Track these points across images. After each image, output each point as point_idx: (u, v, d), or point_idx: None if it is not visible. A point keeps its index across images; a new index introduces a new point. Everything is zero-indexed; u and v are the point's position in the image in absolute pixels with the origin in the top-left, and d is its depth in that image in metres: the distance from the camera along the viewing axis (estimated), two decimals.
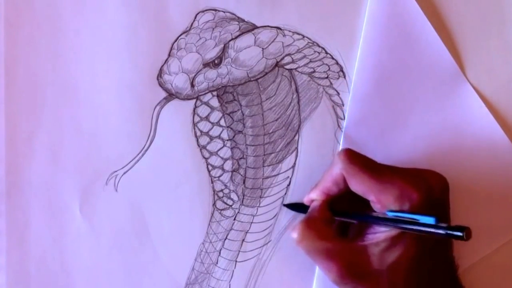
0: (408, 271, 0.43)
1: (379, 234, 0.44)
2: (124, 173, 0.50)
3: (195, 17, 0.50)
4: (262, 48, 0.50)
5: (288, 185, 0.51)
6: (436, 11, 0.51)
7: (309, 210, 0.47)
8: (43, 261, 0.50)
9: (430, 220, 0.41)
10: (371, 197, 0.44)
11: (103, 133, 0.50)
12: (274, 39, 0.50)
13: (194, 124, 0.50)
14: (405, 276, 0.43)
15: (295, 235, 0.45)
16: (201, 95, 0.50)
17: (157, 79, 0.50)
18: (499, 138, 0.51)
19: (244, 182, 0.51)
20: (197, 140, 0.51)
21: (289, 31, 0.51)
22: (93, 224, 0.50)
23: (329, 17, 0.51)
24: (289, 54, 0.51)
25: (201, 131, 0.50)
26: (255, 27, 0.50)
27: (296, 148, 0.51)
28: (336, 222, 0.47)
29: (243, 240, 0.51)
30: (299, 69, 0.51)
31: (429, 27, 0.51)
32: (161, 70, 0.50)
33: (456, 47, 0.51)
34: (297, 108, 0.51)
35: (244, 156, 0.51)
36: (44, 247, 0.50)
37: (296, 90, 0.51)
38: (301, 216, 0.48)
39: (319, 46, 0.51)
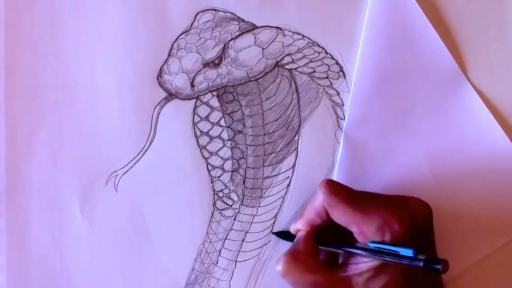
0: None
1: (362, 265, 0.44)
2: (124, 173, 0.50)
3: (195, 17, 0.50)
4: (262, 48, 0.50)
5: (288, 185, 0.51)
6: (436, 11, 0.51)
7: (294, 241, 0.47)
8: (43, 261, 0.50)
9: (409, 252, 0.41)
10: (354, 229, 0.44)
11: (103, 133, 0.50)
12: (274, 39, 0.50)
13: (194, 124, 0.50)
14: None
15: (279, 268, 0.45)
16: (201, 95, 0.50)
17: (157, 79, 0.50)
18: (500, 138, 0.51)
19: (244, 182, 0.51)
20: (197, 140, 0.51)
21: (289, 31, 0.51)
22: (93, 224, 0.50)
23: (329, 17, 0.51)
24: (289, 54, 0.51)
25: (201, 131, 0.50)
26: (255, 27, 0.50)
27: (296, 148, 0.51)
28: (322, 251, 0.47)
29: (243, 240, 0.51)
30: (299, 69, 0.51)
31: (429, 27, 0.50)
32: (161, 70, 0.50)
33: (456, 47, 0.51)
34: (297, 108, 0.51)
35: (244, 156, 0.51)
36: (44, 247, 0.50)
37: (296, 90, 0.51)
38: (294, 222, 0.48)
39: (319, 46, 0.51)
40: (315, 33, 0.51)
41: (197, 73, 0.50)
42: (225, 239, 0.51)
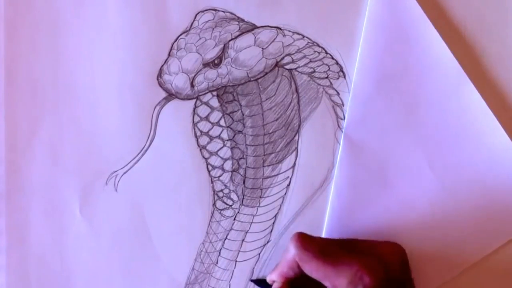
0: None
1: None
2: (124, 173, 0.50)
3: (195, 17, 0.50)
4: (262, 48, 0.50)
5: (288, 185, 0.51)
6: (437, 10, 0.51)
7: None
8: (43, 261, 0.50)
9: None
10: (326, 283, 0.44)
11: (103, 133, 0.50)
12: (274, 39, 0.50)
13: (194, 124, 0.51)
14: None
15: None
16: (201, 95, 0.50)
17: (157, 79, 0.50)
18: (501, 138, 0.51)
19: (244, 182, 0.51)
20: (197, 140, 0.51)
21: (289, 31, 0.51)
22: (93, 224, 0.50)
23: (329, 17, 0.51)
24: (289, 54, 0.51)
25: (201, 131, 0.51)
26: (255, 27, 0.50)
27: (296, 148, 0.51)
28: None
29: (243, 240, 0.51)
30: (299, 69, 0.51)
31: (430, 26, 0.50)
32: (161, 70, 0.50)
33: (458, 46, 0.51)
34: (297, 108, 0.51)
35: (244, 156, 0.51)
36: (44, 247, 0.50)
37: (296, 90, 0.51)
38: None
39: (319, 46, 0.51)
40: (315, 33, 0.51)
41: (197, 73, 0.50)
42: (225, 239, 0.51)
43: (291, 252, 0.45)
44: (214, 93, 0.50)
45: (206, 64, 0.50)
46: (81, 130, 0.50)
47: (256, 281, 0.51)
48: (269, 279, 0.48)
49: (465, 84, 0.51)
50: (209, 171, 0.51)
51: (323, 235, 0.50)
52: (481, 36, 0.51)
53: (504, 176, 0.50)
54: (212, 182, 0.51)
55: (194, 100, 0.50)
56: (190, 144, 0.51)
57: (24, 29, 0.50)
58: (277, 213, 0.51)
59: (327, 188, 0.51)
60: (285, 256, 0.46)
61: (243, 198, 0.51)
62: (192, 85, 0.50)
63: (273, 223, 0.51)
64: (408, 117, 0.51)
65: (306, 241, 0.45)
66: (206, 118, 0.50)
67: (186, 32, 0.50)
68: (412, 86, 0.51)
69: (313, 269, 0.44)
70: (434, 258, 0.50)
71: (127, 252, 0.50)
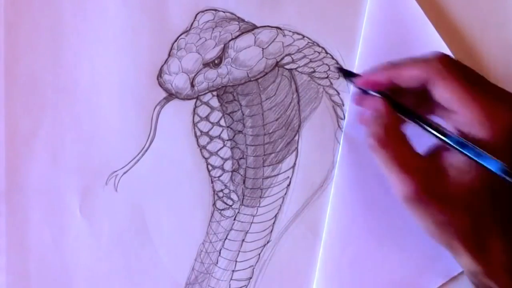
0: (485, 195, 0.41)
1: (459, 157, 0.41)
2: (124, 173, 0.50)
3: (195, 17, 0.50)
4: (262, 48, 0.50)
5: (288, 185, 0.51)
6: (436, 10, 0.51)
7: (371, 109, 0.44)
8: (43, 261, 0.50)
9: (496, 165, 0.39)
10: (459, 110, 0.40)
11: (103, 133, 0.50)
12: (274, 39, 0.50)
13: (194, 124, 0.51)
14: (481, 199, 0.41)
15: (373, 141, 0.42)
16: (201, 95, 0.50)
17: (157, 79, 0.50)
18: None
19: (244, 182, 0.51)
20: (197, 140, 0.51)
21: (289, 31, 0.51)
22: (93, 224, 0.50)
23: (329, 17, 0.51)
24: (289, 54, 0.51)
25: (201, 131, 0.51)
26: (255, 27, 0.50)
27: (296, 148, 0.51)
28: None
29: (243, 240, 0.51)
30: (299, 69, 0.51)
31: (430, 26, 0.50)
32: (161, 70, 0.50)
33: (457, 46, 0.51)
34: (297, 108, 0.51)
35: (244, 156, 0.51)
36: (44, 247, 0.50)
37: (296, 90, 0.51)
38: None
39: (319, 46, 0.51)
40: (315, 33, 0.51)
41: (197, 73, 0.50)
42: (225, 239, 0.51)
43: (428, 64, 0.41)
44: (214, 93, 0.50)
45: (206, 64, 0.50)
46: (81, 130, 0.50)
47: (346, 73, 0.49)
48: (366, 79, 0.45)
49: None
50: (209, 171, 0.51)
51: (323, 235, 0.50)
52: (480, 35, 0.51)
53: None
54: (212, 182, 0.51)
55: (194, 100, 0.50)
56: (190, 144, 0.51)
57: (24, 29, 0.50)
58: (277, 213, 0.51)
59: (327, 188, 0.51)
60: (412, 65, 0.42)
61: (243, 198, 0.51)
62: (192, 85, 0.50)
63: (273, 223, 0.51)
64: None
65: (450, 60, 0.42)
66: (206, 118, 0.50)
67: (186, 32, 0.50)
68: None
69: (449, 90, 0.40)
70: (435, 258, 0.50)
71: (127, 252, 0.50)
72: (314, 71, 0.51)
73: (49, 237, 0.50)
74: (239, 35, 0.50)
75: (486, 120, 0.40)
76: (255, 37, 0.50)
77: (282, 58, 0.51)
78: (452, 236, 0.42)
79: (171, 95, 0.50)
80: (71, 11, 0.50)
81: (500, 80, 0.51)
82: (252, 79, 0.50)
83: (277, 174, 0.51)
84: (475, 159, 0.40)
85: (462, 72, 0.42)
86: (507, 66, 0.51)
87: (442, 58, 0.42)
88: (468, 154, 0.40)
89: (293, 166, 0.51)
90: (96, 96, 0.50)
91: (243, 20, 0.50)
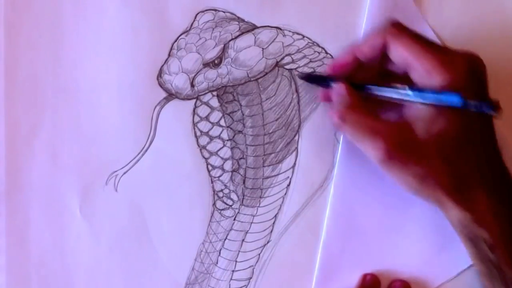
0: (456, 139, 0.43)
1: (420, 110, 0.43)
2: (124, 173, 0.50)
3: (195, 17, 0.50)
4: (262, 48, 0.50)
5: (288, 185, 0.51)
6: (434, 12, 0.51)
7: (336, 94, 0.46)
8: (43, 261, 0.50)
9: (455, 98, 0.41)
10: (414, 62, 0.43)
11: (103, 133, 0.50)
12: (274, 39, 0.50)
13: (194, 124, 0.51)
14: (453, 145, 0.43)
15: (336, 118, 0.45)
16: (201, 95, 0.50)
17: (157, 79, 0.50)
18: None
19: (244, 182, 0.51)
20: (197, 140, 0.51)
21: (289, 31, 0.51)
22: (93, 224, 0.50)
23: (329, 17, 0.51)
24: (289, 54, 0.51)
25: (201, 131, 0.51)
26: (255, 27, 0.50)
27: (296, 148, 0.51)
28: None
29: (243, 240, 0.51)
30: (299, 69, 0.51)
31: (427, 27, 0.51)
32: (161, 70, 0.50)
33: (455, 47, 0.51)
34: (297, 108, 0.51)
35: (244, 156, 0.51)
36: (44, 247, 0.50)
37: (296, 90, 0.51)
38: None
39: (319, 46, 0.51)
40: (315, 33, 0.51)
41: (197, 73, 0.50)
42: (225, 239, 0.51)
43: (382, 31, 0.44)
44: (214, 93, 0.50)
45: (206, 64, 0.50)
46: (81, 130, 0.50)
47: (306, 77, 0.50)
48: (333, 64, 0.48)
49: None
50: (209, 171, 0.51)
51: (323, 235, 0.51)
52: (479, 36, 0.51)
53: None
54: (212, 182, 0.51)
55: (194, 100, 0.50)
56: (190, 144, 0.51)
57: (24, 29, 0.50)
58: (277, 213, 0.51)
59: (327, 188, 0.51)
60: (369, 37, 0.45)
61: (243, 198, 0.51)
62: (192, 85, 0.50)
63: (273, 223, 0.51)
64: None
65: (401, 24, 0.45)
66: (206, 118, 0.50)
67: (186, 32, 0.50)
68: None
69: (404, 47, 0.43)
70: (435, 257, 0.50)
71: (127, 252, 0.50)
72: (314, 71, 0.51)
73: (49, 237, 0.50)
74: (239, 35, 0.50)
75: (442, 66, 0.42)
76: (255, 37, 0.50)
77: (282, 58, 0.51)
78: (434, 188, 0.44)
79: (171, 95, 0.50)
80: (71, 11, 0.50)
81: (500, 80, 0.51)
82: (252, 79, 0.50)
83: (277, 174, 0.51)
84: (437, 103, 0.42)
85: (415, 33, 0.44)
86: (506, 66, 0.51)
87: (395, 23, 0.45)
88: (429, 101, 0.42)
89: (293, 166, 0.51)
90: (96, 96, 0.50)
91: (243, 20, 0.50)
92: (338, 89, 0.47)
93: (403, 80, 0.45)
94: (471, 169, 0.44)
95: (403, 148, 0.43)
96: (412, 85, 0.44)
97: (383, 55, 0.46)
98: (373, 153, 0.44)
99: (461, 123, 0.43)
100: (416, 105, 0.44)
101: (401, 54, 0.44)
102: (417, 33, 0.45)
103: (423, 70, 0.43)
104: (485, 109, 0.40)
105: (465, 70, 0.43)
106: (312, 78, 0.50)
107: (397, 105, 0.46)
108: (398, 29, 0.44)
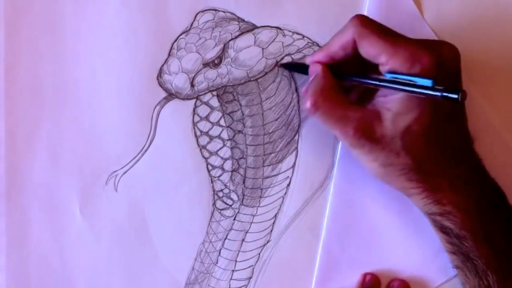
0: (422, 136, 0.44)
1: (390, 98, 0.44)
2: (124, 173, 0.50)
3: (195, 17, 0.50)
4: (262, 48, 0.50)
5: (288, 185, 0.51)
6: (434, 12, 0.51)
7: (311, 77, 0.47)
8: (43, 261, 0.50)
9: (427, 82, 0.41)
10: (382, 59, 0.43)
11: (103, 133, 0.50)
12: (274, 39, 0.51)
13: (194, 124, 0.51)
14: (419, 141, 0.44)
15: (309, 104, 0.45)
16: (201, 95, 0.50)
17: (157, 79, 0.50)
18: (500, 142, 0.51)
19: (244, 182, 0.51)
20: (197, 140, 0.51)
21: (289, 31, 0.51)
22: (93, 224, 0.50)
23: (329, 17, 0.51)
24: (289, 54, 0.51)
25: (201, 131, 0.51)
26: (255, 27, 0.51)
27: (296, 148, 0.51)
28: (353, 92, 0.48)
29: (243, 240, 0.51)
30: None
31: (427, 28, 0.51)
32: (161, 70, 0.50)
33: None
34: (297, 108, 0.51)
35: (244, 156, 0.51)
36: (44, 247, 0.50)
37: (296, 90, 0.51)
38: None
39: (319, 46, 0.51)
40: (315, 33, 0.51)
41: (197, 73, 0.50)
42: (225, 239, 0.51)
43: (349, 30, 0.44)
44: (214, 93, 0.50)
45: (206, 64, 0.50)
46: (81, 130, 0.50)
47: (287, 65, 0.50)
48: (310, 60, 0.48)
49: None
50: (209, 171, 0.51)
51: (323, 235, 0.51)
52: (478, 37, 0.52)
53: None
54: (212, 182, 0.51)
55: (194, 100, 0.50)
56: (190, 144, 0.51)
57: (24, 29, 0.50)
58: (277, 213, 0.51)
59: (327, 188, 0.51)
60: (338, 36, 0.46)
61: (243, 198, 0.51)
62: (192, 85, 0.50)
63: (273, 223, 0.51)
64: None
65: (366, 20, 0.45)
66: (206, 118, 0.51)
67: (186, 32, 0.50)
68: None
69: (371, 45, 0.44)
70: (435, 257, 0.50)
71: (127, 252, 0.50)
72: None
73: (49, 237, 0.50)
74: (239, 35, 0.50)
75: (407, 62, 0.42)
76: (255, 37, 0.50)
77: (282, 58, 0.51)
78: (398, 177, 0.45)
79: (171, 95, 0.50)
80: (71, 11, 0.50)
81: (500, 80, 0.51)
82: (252, 79, 0.50)
83: (277, 174, 0.51)
84: (408, 89, 0.42)
85: (383, 28, 0.45)
86: (506, 66, 0.51)
87: (360, 20, 0.45)
88: (402, 80, 0.42)
89: (293, 166, 0.51)
90: (96, 96, 0.50)
91: (243, 20, 0.50)
92: (313, 68, 0.47)
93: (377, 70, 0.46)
94: (436, 163, 0.45)
95: (372, 136, 0.44)
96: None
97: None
98: (343, 138, 0.45)
99: (429, 118, 0.43)
100: (390, 96, 0.44)
101: (371, 53, 0.44)
102: (383, 27, 0.45)
103: (395, 67, 0.43)
104: (450, 94, 0.40)
105: (433, 64, 0.43)
106: (293, 66, 0.50)
107: (373, 94, 0.46)
108: (364, 26, 0.44)
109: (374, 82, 0.44)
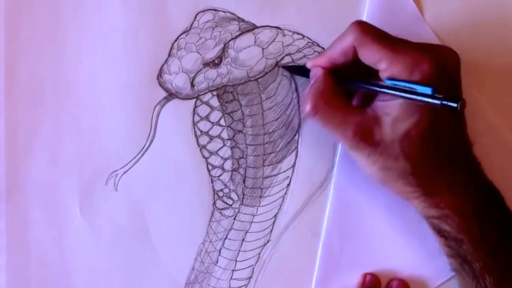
0: (421, 141, 0.44)
1: (390, 103, 0.44)
2: (124, 173, 0.50)
3: (195, 17, 0.50)
4: (262, 48, 0.50)
5: (288, 184, 0.51)
6: (434, 12, 0.51)
7: (312, 80, 0.47)
8: (43, 261, 0.50)
9: (426, 90, 0.41)
10: (382, 66, 0.43)
11: (103, 133, 0.50)
12: (274, 39, 0.51)
13: (194, 124, 0.51)
14: (418, 146, 0.44)
15: (308, 107, 0.45)
16: (201, 94, 0.50)
17: (157, 79, 0.50)
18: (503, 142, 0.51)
19: (244, 182, 0.51)
20: (197, 140, 0.51)
21: (289, 31, 0.51)
22: (93, 224, 0.50)
23: (329, 17, 0.51)
24: (289, 54, 0.51)
25: (201, 131, 0.51)
26: (255, 27, 0.51)
27: (296, 147, 0.51)
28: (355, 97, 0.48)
29: (243, 239, 0.51)
30: None
31: (427, 27, 0.51)
32: (161, 70, 0.50)
33: (454, 47, 0.51)
34: (297, 108, 0.51)
35: (244, 156, 0.51)
36: (44, 247, 0.50)
37: (296, 90, 0.51)
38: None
39: (319, 46, 0.51)
40: (315, 33, 0.51)
41: (197, 73, 0.50)
42: (225, 239, 0.51)
43: (349, 36, 0.44)
44: (214, 92, 0.51)
45: (206, 64, 0.50)
46: (81, 130, 0.50)
47: (289, 67, 0.51)
48: (310, 64, 0.47)
49: None
50: (209, 171, 0.51)
51: (323, 235, 0.51)
52: (478, 37, 0.52)
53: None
54: (212, 182, 0.51)
55: (194, 100, 0.50)
56: (190, 143, 0.51)
57: (24, 29, 0.50)
58: (277, 212, 0.51)
59: (327, 188, 0.51)
60: (339, 42, 0.45)
61: (243, 198, 0.51)
62: (192, 85, 0.50)
63: (273, 222, 0.51)
64: None
65: (366, 26, 0.45)
66: (206, 118, 0.51)
67: (186, 32, 0.50)
68: None
69: (371, 52, 0.44)
70: (435, 257, 0.50)
71: (127, 252, 0.50)
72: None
73: (49, 237, 0.50)
74: (239, 35, 0.50)
75: (412, 67, 0.43)
76: (255, 37, 0.50)
77: (282, 58, 0.51)
78: (396, 182, 0.46)
79: (171, 95, 0.50)
80: (71, 11, 0.50)
81: (500, 80, 0.51)
82: (252, 78, 0.51)
83: (277, 174, 0.51)
84: (408, 96, 0.42)
85: (383, 35, 0.44)
86: (506, 66, 0.52)
87: (360, 27, 0.45)
88: (402, 86, 0.42)
89: (293, 166, 0.51)
90: (96, 96, 0.50)
91: (243, 20, 0.51)
92: (314, 71, 0.47)
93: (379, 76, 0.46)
94: (434, 168, 0.45)
95: (370, 139, 0.44)
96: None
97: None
98: (343, 141, 0.46)
99: (428, 123, 0.44)
100: (389, 101, 0.44)
101: (371, 60, 0.44)
102: (382, 33, 0.45)
103: (391, 74, 0.43)
104: (449, 102, 0.40)
105: (433, 70, 0.43)
106: (294, 69, 0.51)
107: (373, 98, 0.46)
108: (364, 33, 0.44)
109: (374, 88, 0.44)
